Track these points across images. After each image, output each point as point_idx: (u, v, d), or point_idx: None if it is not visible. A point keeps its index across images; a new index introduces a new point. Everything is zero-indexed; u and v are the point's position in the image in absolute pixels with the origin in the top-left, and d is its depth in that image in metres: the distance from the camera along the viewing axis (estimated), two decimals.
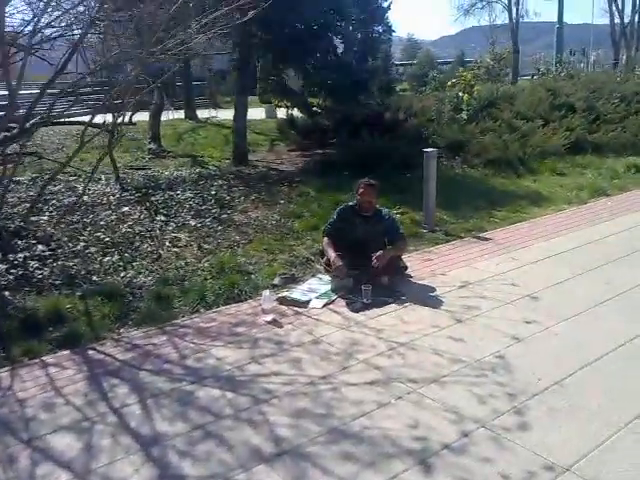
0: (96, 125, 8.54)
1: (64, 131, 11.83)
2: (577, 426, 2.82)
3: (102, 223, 6.26)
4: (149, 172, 8.86)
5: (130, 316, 4.29)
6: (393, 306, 4.29)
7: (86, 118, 6.20)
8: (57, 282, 4.80)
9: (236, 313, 4.29)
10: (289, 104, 11.35)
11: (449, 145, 9.39)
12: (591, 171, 8.92)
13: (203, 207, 6.86)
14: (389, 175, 7.38)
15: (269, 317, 4.14)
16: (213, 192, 7.44)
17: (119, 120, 6.75)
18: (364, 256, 4.58)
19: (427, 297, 4.43)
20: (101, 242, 5.64)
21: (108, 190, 7.66)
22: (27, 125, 7.28)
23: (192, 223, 6.28)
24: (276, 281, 4.82)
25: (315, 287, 4.63)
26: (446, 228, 6.24)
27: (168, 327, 4.13)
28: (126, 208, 6.92)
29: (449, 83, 10.68)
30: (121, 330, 4.10)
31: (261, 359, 3.60)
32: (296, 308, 4.33)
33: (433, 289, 4.56)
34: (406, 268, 4.86)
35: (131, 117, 10.93)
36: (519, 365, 3.39)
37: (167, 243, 5.74)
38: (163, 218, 6.45)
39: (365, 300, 4.31)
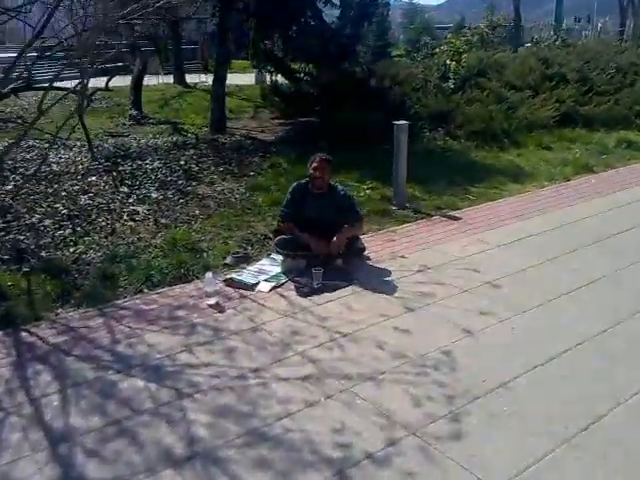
0: (63, 89, 8.21)
1: (53, 96, 11.35)
2: (516, 437, 2.59)
3: (64, 194, 6.01)
4: (125, 139, 8.57)
5: (73, 295, 4.08)
6: (344, 291, 4.07)
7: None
8: (5, 257, 4.51)
9: (179, 295, 4.05)
10: (273, 70, 10.91)
11: (433, 115, 9.03)
12: (579, 146, 8.57)
13: (169, 178, 6.57)
14: (367, 147, 7.03)
15: (212, 300, 3.91)
16: (182, 162, 7.14)
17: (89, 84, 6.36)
18: (318, 236, 4.28)
19: (381, 282, 4.20)
20: (58, 214, 5.40)
21: (79, 159, 7.34)
22: (4, 90, 6.95)
23: (154, 195, 6.00)
24: (228, 260, 4.57)
25: (266, 268, 4.38)
26: (416, 205, 5.94)
27: (108, 308, 3.91)
28: (93, 178, 6.66)
29: (437, 50, 10.18)
30: (59, 311, 3.89)
31: (195, 347, 3.38)
32: (242, 291, 4.08)
33: (389, 273, 4.32)
34: (363, 249, 4.59)
35: (107, 82, 10.57)
36: (465, 363, 3.16)
37: (125, 217, 5.48)
38: (126, 190, 6.18)
39: (315, 284, 4.05)
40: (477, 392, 2.92)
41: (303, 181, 4.50)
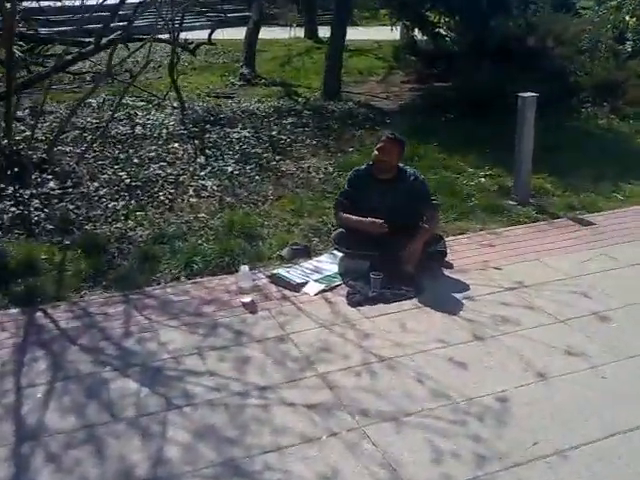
0: (164, 41, 8.68)
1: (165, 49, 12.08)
2: None
3: (135, 161, 6.30)
4: (223, 102, 8.85)
5: (106, 276, 4.28)
6: (404, 305, 3.91)
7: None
8: (50, 227, 4.89)
9: (215, 287, 4.14)
10: (408, 23, 10.64)
11: (598, 86, 8.25)
12: None
13: (254, 150, 6.71)
14: (505, 122, 6.55)
15: (246, 298, 3.93)
16: (274, 132, 7.21)
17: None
18: (385, 233, 4.12)
19: (455, 299, 3.96)
20: (119, 183, 5.67)
21: (167, 121, 7.72)
22: (103, 41, 7.55)
23: (230, 169, 6.15)
24: (284, 252, 4.57)
25: (323, 266, 4.32)
26: (543, 202, 5.50)
27: (134, 295, 4.09)
28: (175, 145, 7.00)
29: (613, 2, 9.23)
30: (84, 292, 4.11)
31: (207, 351, 3.42)
32: (287, 291, 4.04)
33: (469, 288, 4.02)
34: (444, 254, 4.32)
35: (210, 35, 10.98)
36: (521, 415, 2.88)
37: (190, 191, 5.69)
38: (203, 160, 6.39)
39: (371, 292, 3.91)
40: (520, 457, 2.63)
41: (363, 166, 4.33)
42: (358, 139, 7.23)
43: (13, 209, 5.18)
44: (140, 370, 3.32)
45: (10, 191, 5.43)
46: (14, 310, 3.92)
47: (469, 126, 7.35)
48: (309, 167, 6.35)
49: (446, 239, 4.64)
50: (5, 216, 5.07)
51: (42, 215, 5.12)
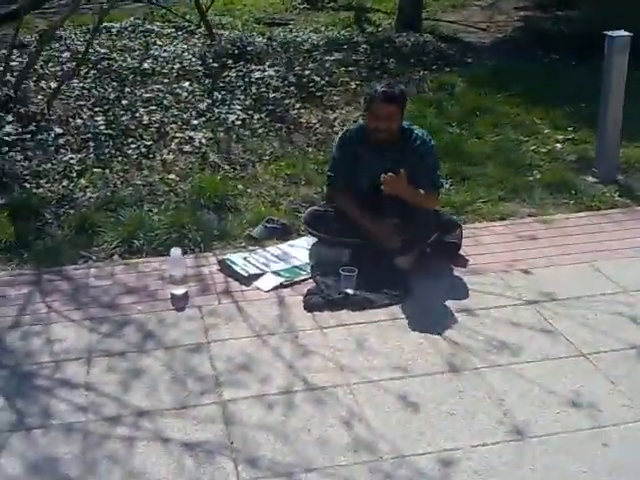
0: None
1: None
2: None
3: (124, 102, 6.29)
4: (279, 30, 8.91)
5: (30, 247, 4.28)
6: (377, 314, 3.63)
7: None
8: None
9: (150, 272, 4.03)
10: None
11: None
12: None
13: (273, 94, 6.51)
14: None
15: (179, 290, 3.78)
16: (308, 72, 6.95)
17: None
18: (383, 209, 3.92)
19: (446, 310, 3.66)
20: (93, 130, 5.64)
21: (185, 54, 7.66)
22: None
23: (232, 118, 6.00)
24: (255, 232, 4.37)
25: (294, 253, 4.12)
26: (635, 181, 4.97)
27: (49, 275, 4.05)
28: (185, 84, 6.91)
29: None
30: None
31: (97, 357, 3.32)
32: (236, 282, 3.84)
33: (472, 297, 3.70)
34: (457, 247, 3.96)
35: None
36: None
37: (172, 145, 5.58)
38: (204, 105, 6.26)
39: (337, 293, 3.63)
40: None
41: (353, 126, 4.00)
42: (416, 84, 6.84)
43: None
44: (6, 374, 3.21)
45: None
46: None
47: (573, 72, 6.78)
48: (335, 119, 6.08)
49: (477, 225, 4.42)
50: None
51: None
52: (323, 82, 6.85)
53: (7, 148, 5.42)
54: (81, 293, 3.87)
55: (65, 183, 4.99)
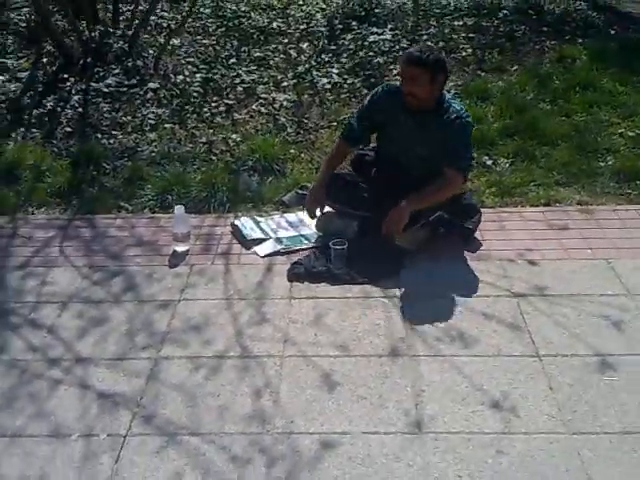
0: None
1: None
2: None
3: (232, 61, 6.57)
4: None
5: (79, 193, 4.66)
6: (352, 291, 3.64)
7: None
8: (69, 130, 5.42)
9: (168, 228, 4.23)
10: None
11: None
12: None
13: (378, 59, 6.53)
14: None
15: (182, 247, 4.01)
16: (425, 37, 6.86)
17: None
18: (401, 185, 3.82)
19: (426, 295, 3.59)
20: (187, 86, 5.95)
21: (317, 14, 7.81)
22: None
23: (323, 82, 6.08)
24: (286, 197, 4.50)
25: (307, 220, 4.16)
26: None
27: (80, 221, 4.42)
28: (304, 45, 7.05)
29: None
30: (32, 209, 4.53)
31: (75, 303, 3.62)
32: (239, 245, 4.04)
33: (461, 284, 3.64)
34: (471, 232, 3.87)
35: None
36: (331, 464, 2.59)
37: (253, 105, 5.75)
38: (306, 67, 6.38)
39: (321, 265, 3.70)
40: None
41: (394, 84, 3.95)
42: (536, 55, 6.48)
43: (51, 104, 5.72)
44: None
45: (68, 83, 5.98)
46: None
47: None
48: None
49: (511, 209, 4.32)
50: (36, 111, 5.61)
51: (71, 114, 5.57)
52: (437, 47, 6.61)
53: (101, 99, 5.78)
54: (96, 242, 4.15)
55: (134, 136, 5.23)
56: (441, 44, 6.72)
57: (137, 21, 6.69)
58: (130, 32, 6.57)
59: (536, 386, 2.93)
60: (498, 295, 3.49)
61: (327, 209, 4.03)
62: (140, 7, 7.00)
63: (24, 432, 2.81)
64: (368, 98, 4.03)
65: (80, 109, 5.73)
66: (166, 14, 7.74)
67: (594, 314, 3.32)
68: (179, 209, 3.98)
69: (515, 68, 6.29)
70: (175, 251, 3.98)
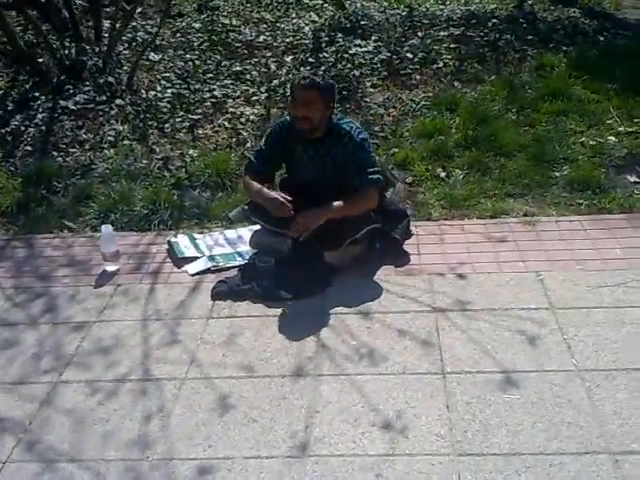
0: None
1: None
2: None
3: (209, 76, 6.57)
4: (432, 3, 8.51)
5: (26, 212, 4.73)
6: (272, 309, 3.60)
7: None
8: (29, 149, 5.47)
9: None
10: None
11: None
12: None
13: (355, 71, 6.45)
14: None
15: (112, 267, 3.98)
16: (406, 48, 6.81)
17: None
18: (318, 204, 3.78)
19: (342, 312, 3.52)
20: (158, 102, 5.96)
21: (306, 28, 7.82)
22: None
23: None
24: (232, 213, 4.44)
25: (246, 237, 4.10)
26: None
27: (17, 241, 4.47)
28: (288, 58, 7.05)
29: None
30: None
31: None
32: (172, 263, 4.00)
33: (382, 300, 3.57)
34: (399, 243, 3.82)
35: None
36: None
37: (221, 119, 5.74)
38: (281, 80, 6.38)
39: (258, 283, 3.67)
40: None
41: (288, 118, 3.91)
42: (515, 64, 6.39)
43: (16, 122, 5.79)
44: None
45: (39, 102, 6.04)
46: None
47: None
48: (400, 100, 5.89)
49: (453, 222, 4.23)
50: (1, 130, 5.67)
51: (34, 133, 5.61)
52: (416, 59, 6.58)
53: (66, 117, 5.81)
54: (29, 262, 4.17)
55: (90, 153, 5.25)
56: (420, 55, 6.62)
57: (110, 37, 6.65)
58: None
59: (433, 405, 2.84)
60: (418, 311, 3.40)
61: (258, 227, 3.94)
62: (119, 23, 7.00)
63: None
64: (264, 138, 4.01)
65: (44, 127, 5.72)
66: (151, 29, 7.72)
67: (510, 329, 3.22)
68: (106, 228, 3.97)
69: (492, 78, 6.18)
70: (105, 271, 3.95)
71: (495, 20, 7.45)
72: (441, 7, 8.26)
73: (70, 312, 3.67)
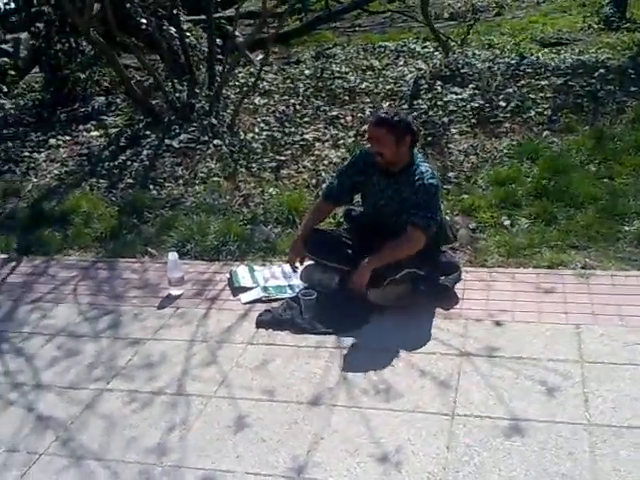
0: None
1: None
2: None
3: (305, 119, 6.92)
4: (559, 51, 8.64)
5: (117, 238, 5.16)
6: (309, 340, 3.80)
7: None
8: (130, 181, 5.99)
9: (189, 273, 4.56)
10: None
11: None
12: None
13: (445, 118, 6.59)
14: None
15: (177, 291, 4.33)
16: (501, 96, 6.93)
17: None
18: (379, 240, 3.96)
19: (374, 349, 3.66)
20: (246, 144, 6.37)
21: (409, 75, 8.05)
22: None
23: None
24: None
25: (293, 272, 4.37)
26: None
27: (102, 263, 4.89)
28: (385, 105, 7.32)
29: None
30: (69, 252, 5.07)
31: (58, 337, 3.99)
32: (230, 291, 4.32)
33: (415, 341, 3.68)
34: (446, 290, 3.99)
35: None
36: None
37: (305, 161, 6.06)
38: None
39: (300, 315, 3.93)
40: None
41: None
42: (613, 114, 6.37)
43: (123, 157, 6.32)
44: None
45: (148, 140, 6.58)
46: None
47: None
48: (486, 148, 5.97)
49: (507, 270, 4.28)
50: (110, 163, 6.21)
51: (137, 167, 6.12)
52: (509, 108, 6.66)
53: (169, 154, 6.27)
54: (107, 282, 4.58)
55: (183, 188, 5.65)
56: (514, 103, 6.67)
57: (217, 82, 7.10)
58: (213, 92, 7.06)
59: (433, 444, 2.91)
60: (444, 353, 3.49)
61: (309, 261, 4.15)
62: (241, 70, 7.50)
63: None
64: (348, 161, 4.25)
65: (147, 162, 6.18)
66: (273, 75, 8.18)
67: (532, 378, 3.25)
68: (172, 255, 4.29)
69: (585, 129, 6.14)
70: (169, 294, 4.26)
71: (603, 70, 7.36)
72: (552, 56, 8.22)
73: (130, 329, 3.99)
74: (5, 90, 8.36)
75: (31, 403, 3.42)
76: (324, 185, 4.34)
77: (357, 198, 4.27)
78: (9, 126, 7.66)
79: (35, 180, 6.27)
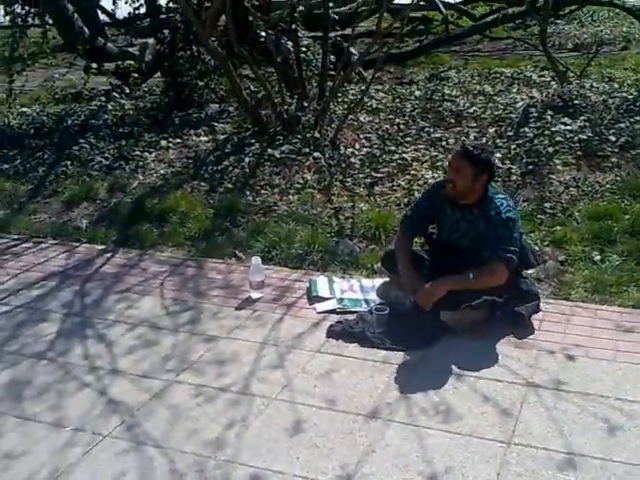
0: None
1: None
2: None
3: (407, 139, 6.99)
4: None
5: (209, 241, 5.33)
6: (377, 354, 3.81)
7: None
8: (229, 185, 6.19)
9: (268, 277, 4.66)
10: None
11: None
12: None
13: (549, 148, 6.47)
14: None
15: (256, 294, 4.45)
16: (612, 130, 6.77)
17: None
18: (453, 266, 4.05)
19: (439, 371, 3.66)
20: (343, 158, 6.48)
21: (520, 103, 7.99)
22: None
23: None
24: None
25: (371, 287, 4.44)
26: None
27: (191, 261, 5.08)
28: (491, 130, 7.31)
29: None
30: (162, 247, 5.26)
31: (139, 326, 4.18)
32: (304, 299, 4.42)
33: (484, 367, 3.64)
34: (523, 318, 3.94)
35: None
36: None
37: (400, 180, 6.10)
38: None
39: (370, 329, 3.97)
40: None
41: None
42: None
43: (226, 163, 6.53)
44: (71, 322, 4.26)
45: (252, 148, 6.78)
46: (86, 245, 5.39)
47: None
48: (588, 181, 5.85)
49: (589, 305, 4.20)
50: (213, 168, 6.43)
51: (238, 173, 6.31)
52: (618, 142, 6.50)
53: (269, 163, 6.43)
54: (193, 280, 4.75)
55: (278, 197, 5.78)
56: (624, 138, 6.48)
57: (326, 97, 7.22)
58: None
59: (484, 470, 2.88)
60: (511, 382, 3.45)
61: (386, 278, 4.19)
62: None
63: (35, 417, 3.36)
64: (424, 194, 4.31)
65: (248, 170, 6.34)
66: (382, 94, 8.29)
67: (596, 415, 3.17)
68: (255, 259, 4.41)
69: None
70: (249, 297, 4.37)
71: None
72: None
73: (207, 326, 4.10)
74: (127, 91, 8.68)
75: (104, 387, 3.55)
76: (403, 215, 4.31)
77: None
78: (126, 125, 7.93)
79: (142, 178, 6.49)
